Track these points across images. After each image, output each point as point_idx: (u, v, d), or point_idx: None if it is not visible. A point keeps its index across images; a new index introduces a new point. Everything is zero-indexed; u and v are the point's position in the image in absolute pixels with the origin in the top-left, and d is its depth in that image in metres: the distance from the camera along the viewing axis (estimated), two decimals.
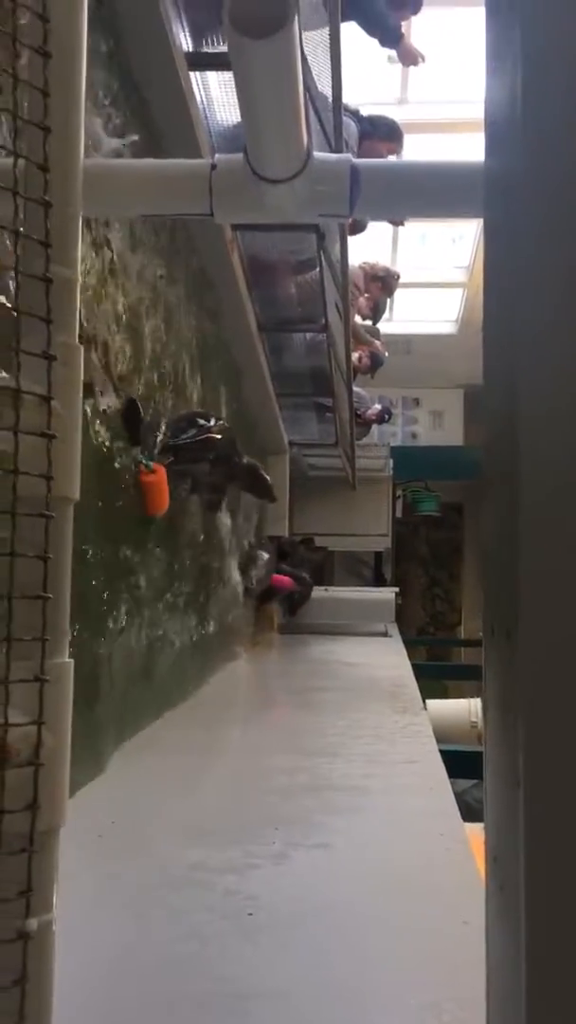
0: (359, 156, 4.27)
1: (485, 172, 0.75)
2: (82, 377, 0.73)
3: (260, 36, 0.88)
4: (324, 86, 2.39)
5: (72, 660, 0.72)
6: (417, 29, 5.98)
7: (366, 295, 6.67)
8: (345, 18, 4.09)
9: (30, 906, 0.61)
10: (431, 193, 1.19)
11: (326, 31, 2.26)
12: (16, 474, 0.63)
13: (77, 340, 0.73)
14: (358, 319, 6.54)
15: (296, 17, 0.88)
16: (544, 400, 0.60)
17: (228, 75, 2.73)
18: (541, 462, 0.60)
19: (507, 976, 0.57)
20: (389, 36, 4.41)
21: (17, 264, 0.67)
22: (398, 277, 6.94)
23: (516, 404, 0.62)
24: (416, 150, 6.33)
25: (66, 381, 0.70)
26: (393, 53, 4.59)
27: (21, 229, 0.67)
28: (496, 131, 0.73)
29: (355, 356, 6.26)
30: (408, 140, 4.94)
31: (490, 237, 0.73)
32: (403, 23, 4.54)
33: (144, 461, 2.81)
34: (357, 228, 5.12)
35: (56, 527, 0.67)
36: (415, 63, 4.56)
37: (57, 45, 0.70)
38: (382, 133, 4.57)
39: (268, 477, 4.53)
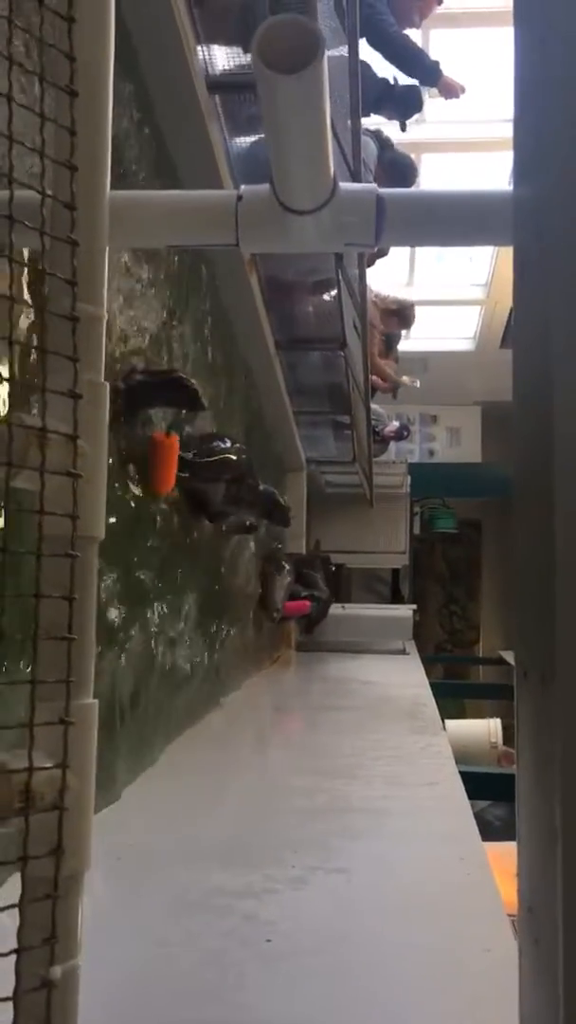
0: (379, 177, 4.33)
1: (514, 199, 0.74)
2: (108, 415, 0.73)
3: (289, 71, 0.88)
4: (343, 112, 2.40)
5: (97, 701, 0.71)
6: (433, 50, 6.03)
7: (382, 333, 6.60)
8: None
9: (54, 953, 0.60)
10: (457, 222, 1.19)
11: (345, 55, 2.28)
12: (42, 514, 0.63)
13: (103, 378, 0.73)
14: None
15: (325, 51, 0.89)
16: None
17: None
18: None
19: None
20: (429, 74, 4.43)
21: (44, 303, 0.67)
22: (413, 307, 6.87)
23: (551, 434, 0.61)
24: (434, 170, 6.37)
25: (92, 419, 0.70)
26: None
27: (48, 267, 0.67)
28: (527, 157, 0.72)
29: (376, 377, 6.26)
30: (426, 159, 4.97)
31: (520, 263, 0.72)
32: (423, 19, 4.56)
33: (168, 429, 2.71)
34: (379, 254, 5.15)
35: (81, 567, 0.67)
36: (456, 96, 4.57)
37: (83, 84, 0.70)
38: (393, 176, 4.57)
39: (288, 506, 4.50)
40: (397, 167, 4.63)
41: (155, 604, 2.86)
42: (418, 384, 7.10)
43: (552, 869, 0.54)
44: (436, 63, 4.44)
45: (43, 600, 0.64)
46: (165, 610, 2.98)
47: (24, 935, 0.60)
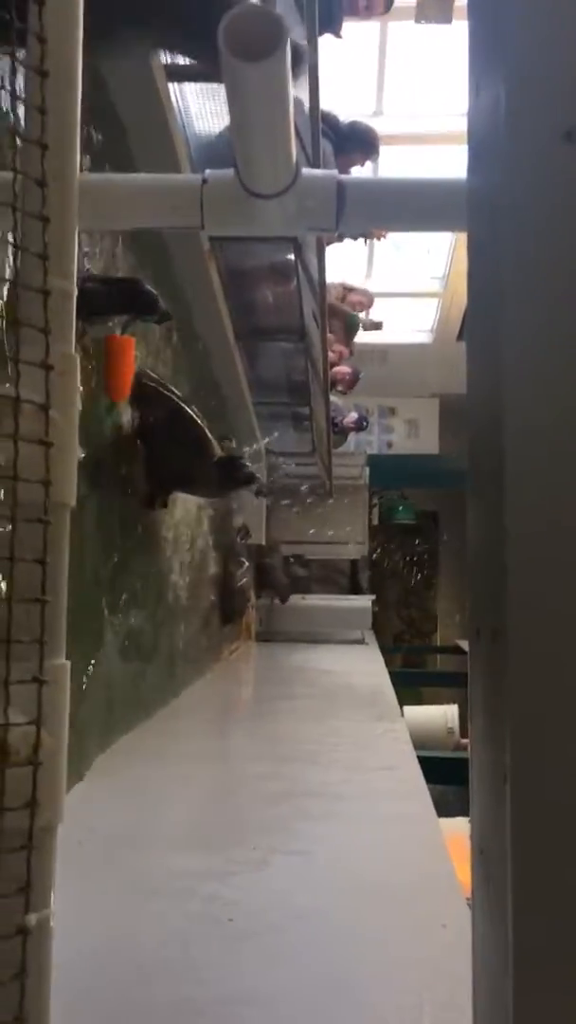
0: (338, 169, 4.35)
1: (468, 188, 0.77)
2: (78, 386, 0.75)
3: (254, 59, 0.92)
4: (301, 100, 2.42)
5: (69, 662, 0.74)
6: (392, 42, 6.07)
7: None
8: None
9: (29, 902, 0.63)
10: (414, 208, 1.23)
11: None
12: (16, 481, 0.65)
13: (73, 350, 0.76)
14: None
15: (288, 39, 0.92)
16: (528, 408, 0.63)
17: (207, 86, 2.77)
18: (525, 462, 0.63)
19: (493, 964, 0.59)
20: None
21: (16, 277, 0.69)
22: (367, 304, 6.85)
23: (501, 413, 0.64)
24: (392, 162, 6.41)
25: (63, 390, 0.72)
26: None
27: (20, 243, 0.69)
28: (479, 148, 0.75)
29: (339, 368, 6.26)
30: (384, 152, 4.99)
31: (474, 253, 0.76)
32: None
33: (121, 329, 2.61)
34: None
35: (54, 532, 0.69)
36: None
37: (54, 65, 0.72)
38: (354, 145, 4.62)
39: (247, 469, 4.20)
40: (357, 133, 4.67)
41: (104, 593, 2.85)
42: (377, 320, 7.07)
43: (502, 811, 0.57)
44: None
45: (17, 564, 0.66)
46: (116, 598, 2.98)
47: (0, 885, 0.62)
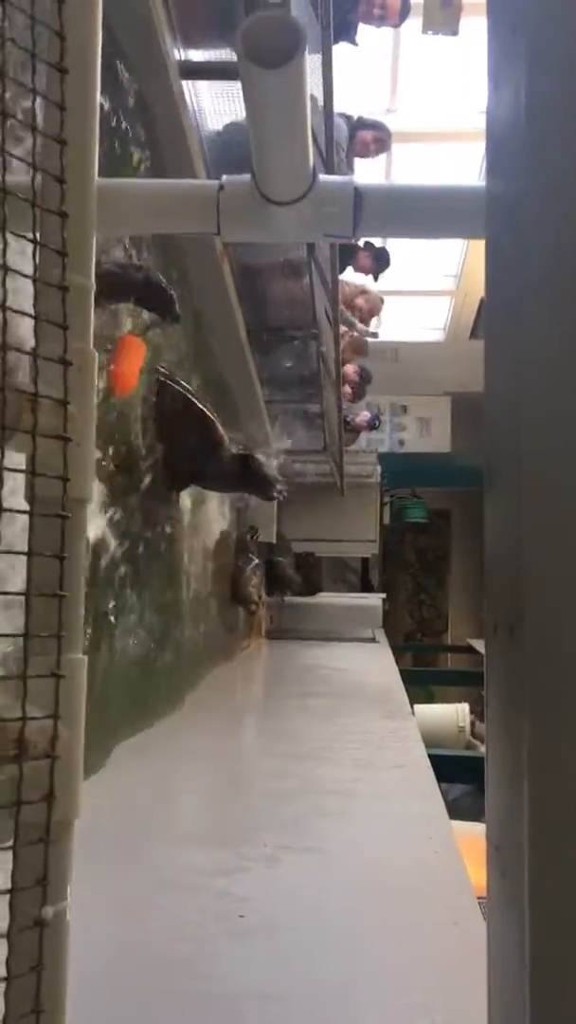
0: (351, 153, 4.43)
1: (488, 190, 0.77)
2: (96, 382, 0.76)
3: (273, 66, 0.92)
4: (316, 100, 2.43)
5: (86, 656, 0.74)
6: (405, 40, 6.05)
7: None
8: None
9: (46, 894, 0.63)
10: (432, 215, 1.22)
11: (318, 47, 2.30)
12: (34, 475, 0.66)
13: (91, 346, 0.76)
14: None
15: (307, 46, 0.92)
16: (546, 407, 0.63)
17: (220, 85, 2.77)
18: (543, 459, 0.63)
19: (509, 960, 0.59)
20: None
21: (36, 273, 0.69)
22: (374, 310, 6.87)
23: (518, 410, 0.64)
24: (405, 159, 6.40)
25: (81, 385, 0.73)
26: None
27: (39, 239, 0.70)
28: (499, 150, 0.75)
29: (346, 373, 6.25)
30: (397, 149, 5.00)
31: (492, 255, 0.75)
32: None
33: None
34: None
35: (71, 527, 0.70)
36: None
37: (73, 62, 0.73)
38: (367, 124, 4.69)
39: (265, 469, 3.96)
40: (366, 120, 4.76)
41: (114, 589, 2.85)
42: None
43: (519, 807, 0.58)
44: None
45: (35, 559, 0.67)
46: (126, 598, 2.98)
47: (17, 877, 0.63)
